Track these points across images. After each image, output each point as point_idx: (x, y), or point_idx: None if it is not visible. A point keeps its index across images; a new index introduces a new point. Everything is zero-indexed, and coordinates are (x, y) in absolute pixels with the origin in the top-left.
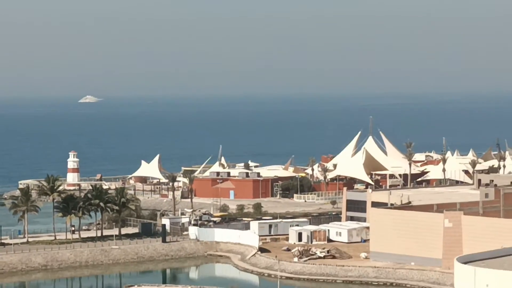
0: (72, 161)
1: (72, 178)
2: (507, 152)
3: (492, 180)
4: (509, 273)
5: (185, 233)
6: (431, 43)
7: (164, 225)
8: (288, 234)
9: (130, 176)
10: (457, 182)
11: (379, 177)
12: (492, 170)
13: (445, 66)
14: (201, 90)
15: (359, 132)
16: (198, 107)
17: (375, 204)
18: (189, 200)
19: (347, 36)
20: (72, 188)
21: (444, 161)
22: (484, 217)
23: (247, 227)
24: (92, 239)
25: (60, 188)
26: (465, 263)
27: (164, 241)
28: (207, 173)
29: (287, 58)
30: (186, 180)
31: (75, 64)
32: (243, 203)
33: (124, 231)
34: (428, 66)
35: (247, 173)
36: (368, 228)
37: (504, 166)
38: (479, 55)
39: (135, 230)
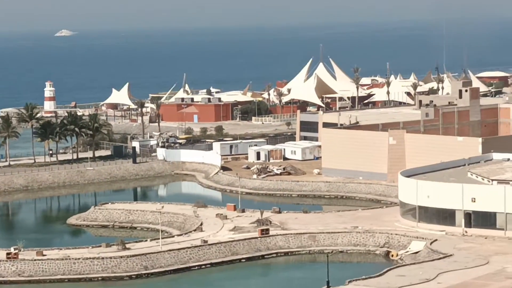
0: (48, 90)
1: (49, 106)
2: (445, 75)
3: (432, 101)
4: (447, 184)
5: (153, 154)
6: None
7: (134, 148)
8: (247, 154)
9: (102, 103)
10: (400, 103)
11: (329, 100)
12: (432, 91)
13: None
14: (168, 24)
15: (311, 60)
16: (164, 39)
17: (326, 125)
18: (156, 124)
19: None
20: (49, 115)
21: (388, 84)
22: (425, 134)
23: (210, 147)
24: (68, 161)
25: (38, 115)
26: (408, 176)
27: (134, 162)
28: (172, 99)
29: None
30: (153, 106)
31: None
32: (206, 126)
33: (98, 153)
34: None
35: (209, 99)
36: (320, 146)
37: (442, 88)
38: None
39: (108, 152)
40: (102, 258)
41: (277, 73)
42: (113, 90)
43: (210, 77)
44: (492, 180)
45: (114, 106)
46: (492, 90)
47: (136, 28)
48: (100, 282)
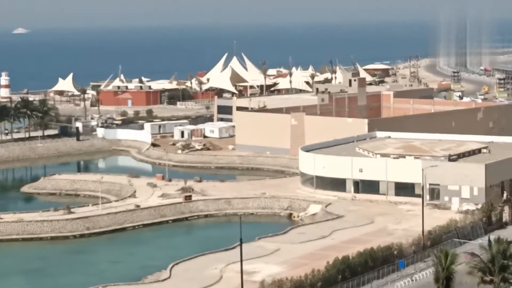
0: (4, 79)
1: (4, 92)
2: (337, 67)
3: (327, 88)
4: (339, 157)
5: (94, 133)
6: None
7: (77, 127)
8: (173, 133)
9: (50, 90)
10: (301, 91)
11: (242, 88)
12: (327, 81)
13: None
14: (105, 23)
15: (226, 54)
16: (103, 36)
17: (239, 108)
18: (96, 108)
19: None
20: (4, 100)
21: (291, 74)
22: (321, 116)
23: (142, 127)
24: (21, 139)
25: None
26: (307, 151)
27: (78, 139)
28: (110, 87)
29: None
30: (94, 93)
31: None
32: (139, 109)
33: (47, 132)
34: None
35: (141, 86)
36: (234, 126)
37: (335, 78)
38: None
39: (55, 131)
40: (51, 220)
41: (198, 65)
42: (60, 79)
43: (142, 68)
44: (376, 153)
45: (61, 93)
46: (376, 79)
47: (80, 26)
48: (49, 241)
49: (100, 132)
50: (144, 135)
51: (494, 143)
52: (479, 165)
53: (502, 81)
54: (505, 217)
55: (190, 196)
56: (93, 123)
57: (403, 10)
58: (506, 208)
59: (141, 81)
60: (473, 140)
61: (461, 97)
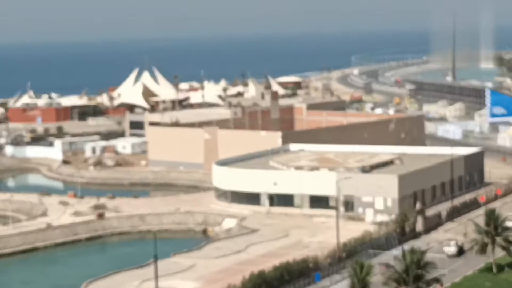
0: None
1: None
2: (249, 81)
3: (239, 102)
4: (253, 171)
5: (2, 151)
6: None
7: None
8: (84, 149)
9: None
10: (213, 105)
11: (154, 103)
12: (239, 94)
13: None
14: (11, 37)
15: (137, 68)
16: (10, 51)
17: (151, 124)
18: (5, 125)
19: None
20: None
21: (203, 88)
22: (234, 130)
23: (52, 144)
24: None
25: None
26: (221, 165)
27: None
28: (18, 104)
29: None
30: (2, 109)
31: None
32: (49, 126)
33: None
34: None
35: (50, 103)
36: (146, 142)
37: (248, 91)
38: None
39: None
40: None
41: (109, 80)
42: None
43: (51, 84)
44: (290, 166)
45: None
46: (288, 92)
47: None
48: None
49: (9, 150)
50: (54, 152)
51: (406, 154)
52: (392, 176)
53: (413, 92)
54: (418, 227)
55: (103, 213)
56: (2, 141)
57: (314, 22)
58: (419, 218)
59: (50, 97)
60: (385, 151)
61: (373, 109)
